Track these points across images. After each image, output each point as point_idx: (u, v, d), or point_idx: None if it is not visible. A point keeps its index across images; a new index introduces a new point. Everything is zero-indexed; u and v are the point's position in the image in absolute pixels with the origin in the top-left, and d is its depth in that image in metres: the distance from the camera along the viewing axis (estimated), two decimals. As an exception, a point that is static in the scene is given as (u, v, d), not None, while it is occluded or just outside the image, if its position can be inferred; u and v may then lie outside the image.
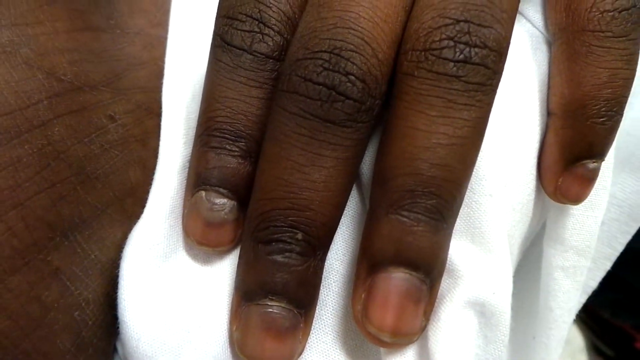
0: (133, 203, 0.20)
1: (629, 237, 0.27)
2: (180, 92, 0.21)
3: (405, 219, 0.16)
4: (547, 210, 0.22)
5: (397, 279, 0.16)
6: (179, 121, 0.20)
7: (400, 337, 0.16)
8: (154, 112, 0.21)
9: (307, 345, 0.18)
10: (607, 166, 0.21)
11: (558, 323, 0.22)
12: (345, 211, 0.19)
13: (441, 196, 0.16)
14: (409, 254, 0.16)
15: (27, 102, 0.16)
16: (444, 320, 0.17)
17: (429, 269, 0.16)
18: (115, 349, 0.19)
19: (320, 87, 0.16)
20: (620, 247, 0.27)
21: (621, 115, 0.19)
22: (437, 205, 0.16)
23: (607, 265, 0.28)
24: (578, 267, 0.22)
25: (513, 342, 0.26)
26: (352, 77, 0.16)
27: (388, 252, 0.16)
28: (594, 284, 0.28)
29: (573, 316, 0.24)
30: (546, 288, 0.23)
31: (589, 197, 0.21)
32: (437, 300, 0.17)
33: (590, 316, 0.71)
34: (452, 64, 0.16)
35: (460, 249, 0.18)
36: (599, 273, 0.28)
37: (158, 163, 0.20)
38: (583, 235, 0.22)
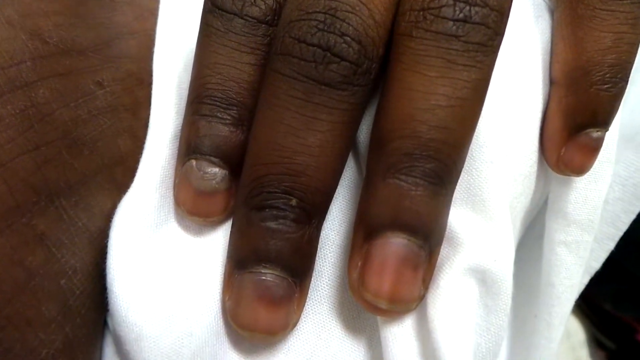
0: (123, 173, 0.19)
1: (632, 217, 0.27)
2: (172, 61, 0.20)
3: (403, 183, 0.16)
4: (549, 184, 0.22)
5: (395, 244, 0.16)
6: (170, 90, 0.20)
7: (398, 304, 0.16)
8: (145, 82, 0.21)
9: (302, 316, 0.18)
10: (612, 138, 0.21)
11: (561, 300, 0.22)
12: (341, 181, 0.19)
13: (440, 160, 0.16)
14: (406, 219, 0.16)
15: (10, 62, 0.16)
16: (444, 288, 0.16)
17: (427, 234, 0.16)
18: (107, 325, 0.19)
19: (315, 48, 0.16)
20: (623, 227, 0.27)
21: (626, 82, 0.19)
22: (436, 169, 0.16)
23: (611, 245, 0.27)
24: (581, 242, 0.21)
25: (514, 322, 0.25)
26: (348, 39, 0.16)
27: (385, 217, 0.16)
28: (596, 265, 0.27)
29: (576, 294, 0.24)
30: (548, 264, 0.22)
31: (592, 169, 0.21)
32: (436, 268, 0.17)
33: (592, 308, 0.71)
34: (451, 22, 0.15)
35: (460, 217, 0.17)
36: (602, 254, 0.27)
37: (148, 132, 0.19)
38: (586, 209, 0.21)
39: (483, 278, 0.17)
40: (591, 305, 0.70)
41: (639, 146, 0.25)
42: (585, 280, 0.27)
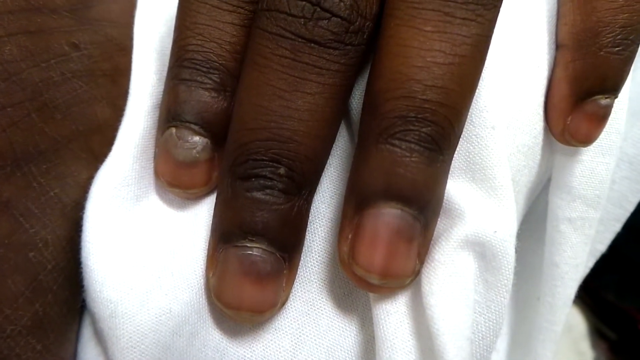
0: (100, 142, 0.18)
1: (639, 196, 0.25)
2: (154, 24, 0.19)
3: (396, 149, 0.14)
4: (553, 158, 0.20)
5: (388, 214, 0.14)
6: (151, 56, 0.19)
7: (391, 279, 0.15)
8: (127, 49, 0.19)
9: (291, 294, 0.17)
10: (621, 107, 0.19)
11: (564, 280, 0.21)
12: (333, 150, 0.18)
13: (437, 123, 0.15)
14: (400, 187, 0.14)
15: (-28, 15, 0.15)
16: (439, 262, 0.15)
17: (422, 204, 0.15)
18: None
19: (304, 3, 0.15)
20: (630, 208, 0.25)
21: (638, 45, 0.18)
22: (432, 133, 0.14)
23: (617, 227, 0.26)
24: (586, 218, 0.20)
25: (515, 305, 0.24)
26: None
27: (377, 186, 0.15)
28: (602, 247, 0.26)
29: (581, 275, 0.22)
30: (551, 242, 0.21)
31: (599, 141, 0.20)
32: (432, 240, 0.16)
33: (594, 298, 0.70)
34: None
35: (458, 186, 0.16)
36: (607, 235, 0.26)
37: (129, 100, 0.18)
38: (592, 184, 0.20)
39: (482, 251, 0.15)
40: (593, 295, 0.69)
41: None
42: (590, 263, 0.26)
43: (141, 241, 0.17)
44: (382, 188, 0.15)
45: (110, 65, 0.19)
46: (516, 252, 0.17)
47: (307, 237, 0.17)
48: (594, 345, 0.67)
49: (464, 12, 0.14)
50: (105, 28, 0.19)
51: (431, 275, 0.15)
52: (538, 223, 0.22)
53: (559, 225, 0.20)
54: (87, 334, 0.17)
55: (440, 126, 0.15)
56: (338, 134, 0.18)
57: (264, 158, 0.15)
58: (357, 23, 0.15)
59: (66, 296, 0.17)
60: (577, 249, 0.21)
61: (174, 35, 0.17)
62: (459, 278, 0.15)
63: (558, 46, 0.18)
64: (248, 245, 0.15)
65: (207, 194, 0.18)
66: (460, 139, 0.16)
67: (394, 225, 0.14)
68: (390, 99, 0.15)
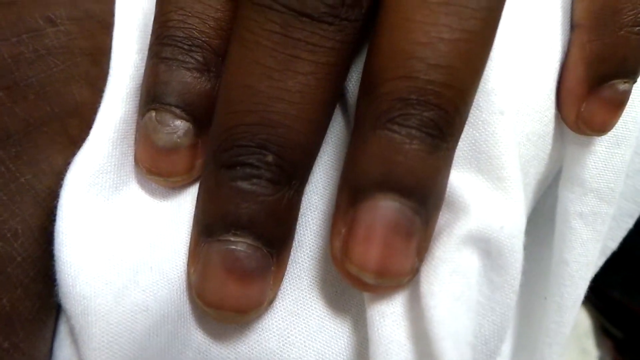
0: (78, 126, 0.17)
1: (654, 190, 0.24)
2: (137, 1, 0.18)
3: (395, 135, 0.13)
4: (565, 148, 0.19)
5: (385, 207, 0.13)
6: (133, 34, 0.17)
7: (386, 278, 0.13)
8: (110, 27, 0.18)
9: (279, 292, 0.16)
10: (638, 93, 0.18)
11: (574, 279, 0.19)
12: (327, 137, 0.16)
13: (441, 106, 0.13)
14: (399, 178, 0.13)
15: None
16: (440, 259, 0.14)
17: (423, 196, 0.13)
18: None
19: None
20: (644, 202, 0.24)
21: (661, 25, 0.16)
22: (435, 118, 0.13)
23: (630, 223, 0.24)
24: (599, 213, 0.19)
25: (521, 305, 0.23)
26: None
27: (374, 175, 0.13)
28: (613, 245, 0.25)
29: (591, 274, 0.21)
30: (561, 238, 0.19)
31: (614, 130, 0.18)
32: (433, 237, 0.14)
33: (599, 296, 0.69)
34: None
35: (463, 177, 0.15)
36: (619, 232, 0.24)
37: (108, 81, 0.17)
38: (606, 177, 0.18)
39: (487, 248, 0.14)
40: (599, 293, 0.68)
41: None
42: (600, 262, 0.25)
43: (119, 233, 0.15)
44: (379, 178, 0.13)
45: (91, 44, 0.17)
46: (524, 248, 0.15)
47: (297, 231, 0.16)
48: (599, 343, 0.66)
49: None
50: (86, 3, 0.18)
51: (431, 274, 0.14)
52: (547, 218, 0.21)
53: (570, 220, 0.19)
54: (63, 331, 0.16)
55: (444, 110, 0.13)
56: (333, 119, 0.16)
57: (251, 144, 0.14)
58: None
59: (39, 290, 0.16)
60: (589, 245, 0.19)
61: (155, 10, 0.16)
62: (461, 277, 0.14)
63: (574, 26, 0.17)
64: (232, 239, 0.14)
65: (192, 183, 0.17)
66: (466, 125, 0.15)
67: (392, 220, 0.13)
68: (390, 78, 0.13)
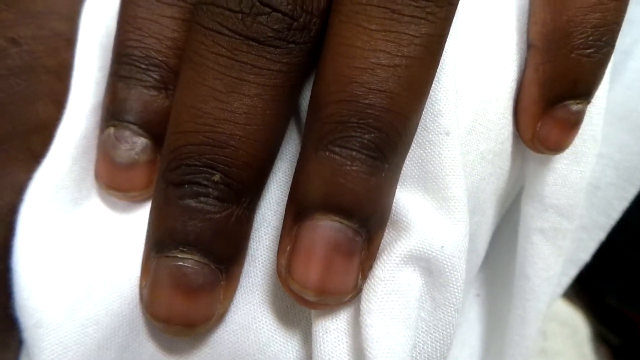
0: (42, 142, 0.17)
1: (625, 204, 0.24)
2: (101, 18, 0.18)
3: (336, 157, 0.13)
4: (526, 165, 0.19)
5: (324, 227, 0.13)
6: (96, 51, 0.18)
7: (327, 296, 0.14)
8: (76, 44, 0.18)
9: (232, 305, 0.16)
10: (597, 112, 0.18)
11: (536, 293, 0.20)
12: (282, 155, 0.17)
13: (381, 129, 0.13)
14: (339, 199, 0.13)
15: None
16: (379, 278, 0.14)
17: (364, 217, 0.14)
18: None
19: None
20: (616, 215, 0.24)
21: (612, 47, 0.16)
22: (375, 140, 0.13)
23: (601, 235, 0.24)
24: (559, 229, 0.19)
25: (488, 318, 0.23)
26: None
27: (315, 197, 0.14)
28: (585, 256, 0.25)
29: (556, 288, 0.21)
30: (523, 253, 0.20)
31: (574, 148, 0.18)
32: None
33: (596, 302, 0.69)
34: None
35: (408, 197, 0.15)
36: (591, 244, 0.25)
37: (69, 97, 0.17)
38: (566, 193, 0.19)
39: (428, 267, 0.14)
40: (596, 300, 0.67)
41: (634, 127, 0.23)
42: (573, 272, 0.25)
43: (75, 247, 0.16)
44: (320, 199, 0.14)
45: (56, 61, 0.18)
46: (489, 262, 0.16)
47: (251, 245, 0.16)
48: (597, 350, 0.65)
49: (413, 10, 0.13)
50: (52, 22, 0.18)
51: (370, 293, 0.14)
52: (511, 232, 0.21)
53: (531, 235, 0.19)
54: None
55: (384, 133, 0.13)
56: (288, 137, 0.17)
57: (197, 163, 0.14)
58: (302, 19, 0.14)
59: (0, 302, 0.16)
60: (550, 260, 0.19)
61: (116, 29, 0.17)
62: (399, 296, 0.14)
63: (529, 46, 0.17)
64: (179, 256, 0.14)
65: (150, 198, 0.17)
66: (413, 145, 0.15)
67: (331, 239, 0.13)
68: (331, 102, 0.14)
